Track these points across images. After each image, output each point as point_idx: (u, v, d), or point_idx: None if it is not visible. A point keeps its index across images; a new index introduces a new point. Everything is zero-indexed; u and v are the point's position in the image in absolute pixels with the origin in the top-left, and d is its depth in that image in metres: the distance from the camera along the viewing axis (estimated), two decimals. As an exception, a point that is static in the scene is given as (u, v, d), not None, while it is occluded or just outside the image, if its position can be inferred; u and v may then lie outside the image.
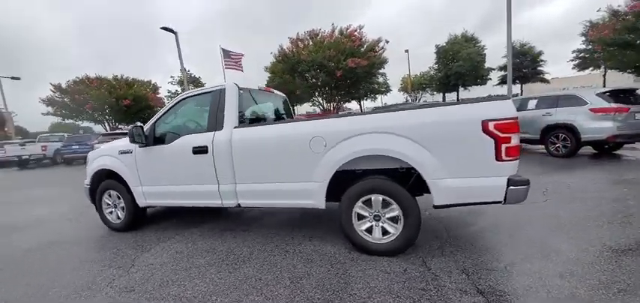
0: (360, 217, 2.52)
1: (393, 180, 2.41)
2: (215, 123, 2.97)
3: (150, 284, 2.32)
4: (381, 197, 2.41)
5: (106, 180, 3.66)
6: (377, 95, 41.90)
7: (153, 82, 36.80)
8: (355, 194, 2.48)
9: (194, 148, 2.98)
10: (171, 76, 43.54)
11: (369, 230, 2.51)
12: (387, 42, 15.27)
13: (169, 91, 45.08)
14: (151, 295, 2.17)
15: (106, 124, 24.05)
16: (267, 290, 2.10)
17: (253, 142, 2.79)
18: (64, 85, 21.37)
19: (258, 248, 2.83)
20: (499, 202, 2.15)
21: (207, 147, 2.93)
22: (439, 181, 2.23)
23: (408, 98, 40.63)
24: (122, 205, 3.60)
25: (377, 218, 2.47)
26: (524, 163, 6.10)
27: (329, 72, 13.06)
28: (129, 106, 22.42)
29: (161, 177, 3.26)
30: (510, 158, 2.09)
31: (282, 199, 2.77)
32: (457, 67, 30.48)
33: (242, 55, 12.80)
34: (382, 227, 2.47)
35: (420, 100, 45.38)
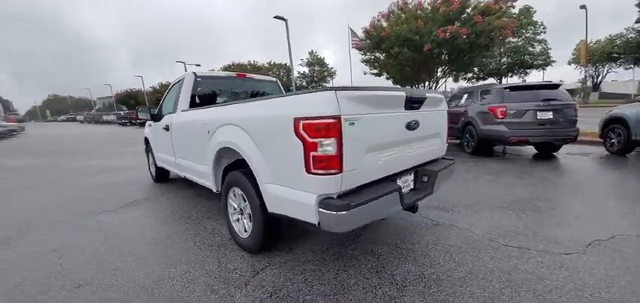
0: (234, 208, 2.59)
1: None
2: (174, 106, 3.67)
3: (117, 220, 3.36)
4: (240, 191, 2.40)
5: (148, 145, 5.20)
6: (529, 69, 32.62)
7: (288, 65, 43.76)
8: (227, 184, 2.57)
9: (164, 126, 3.82)
10: (301, 59, 50.33)
11: (239, 221, 2.56)
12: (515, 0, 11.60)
13: (298, 72, 52.48)
14: (106, 225, 3.17)
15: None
16: (139, 247, 2.65)
17: (183, 125, 3.31)
18: (217, 69, 29.22)
19: (192, 216, 3.39)
20: (314, 226, 1.73)
21: (168, 126, 3.69)
22: (266, 185, 2.01)
23: (585, 73, 29.45)
24: (157, 163, 5.03)
25: (241, 212, 2.48)
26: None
27: (415, 46, 11.50)
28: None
29: (157, 145, 4.37)
30: (321, 172, 1.62)
31: (196, 176, 3.19)
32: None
33: (364, 40, 13.60)
34: (243, 222, 2.46)
35: (604, 76, 32.02)
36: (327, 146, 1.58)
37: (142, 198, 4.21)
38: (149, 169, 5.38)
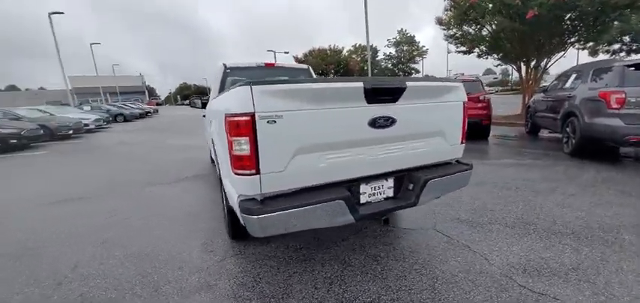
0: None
1: None
2: (209, 96, 4.16)
3: (163, 192, 4.15)
4: (224, 180, 2.57)
5: (207, 128, 6.07)
6: None
7: (374, 46, 42.61)
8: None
9: (204, 114, 4.39)
10: (387, 39, 48.05)
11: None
12: None
13: (384, 54, 50.32)
14: (154, 195, 3.97)
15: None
16: (163, 219, 3.19)
17: (207, 113, 3.72)
18: (299, 56, 30.95)
19: (216, 199, 3.86)
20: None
21: (205, 114, 4.23)
22: (223, 178, 2.10)
23: None
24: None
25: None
26: None
27: (516, 13, 9.22)
28: (335, 70, 28.45)
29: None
30: (240, 171, 1.59)
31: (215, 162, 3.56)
32: None
33: (449, 9, 12.37)
34: (228, 209, 2.64)
35: None
36: (243, 145, 1.53)
37: (192, 175, 5.01)
38: (209, 150, 6.31)
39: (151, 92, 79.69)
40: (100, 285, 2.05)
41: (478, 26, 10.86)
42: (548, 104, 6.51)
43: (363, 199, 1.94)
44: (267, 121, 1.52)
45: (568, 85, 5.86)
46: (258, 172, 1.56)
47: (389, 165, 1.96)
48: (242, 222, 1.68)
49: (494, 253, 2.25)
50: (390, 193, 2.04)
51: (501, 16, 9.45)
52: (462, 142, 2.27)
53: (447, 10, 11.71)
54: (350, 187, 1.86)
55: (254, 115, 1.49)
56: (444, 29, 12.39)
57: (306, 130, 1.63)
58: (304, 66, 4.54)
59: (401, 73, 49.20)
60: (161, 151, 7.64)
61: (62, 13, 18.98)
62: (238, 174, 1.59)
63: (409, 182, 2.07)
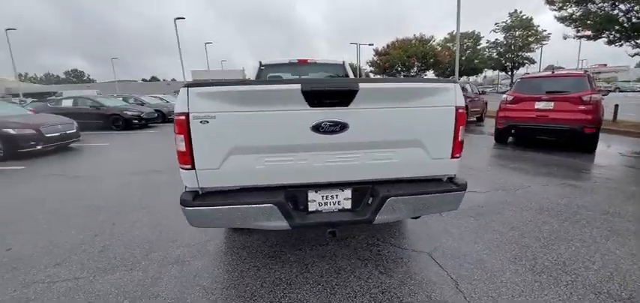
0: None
1: None
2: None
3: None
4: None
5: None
6: None
7: (476, 33, 37.22)
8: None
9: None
10: (495, 24, 40.97)
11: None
12: None
13: (488, 41, 42.97)
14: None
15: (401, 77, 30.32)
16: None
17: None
18: (379, 49, 29.88)
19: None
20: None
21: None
22: None
23: None
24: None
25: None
26: None
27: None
28: (421, 62, 26.38)
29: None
30: (181, 165, 1.74)
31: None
32: None
33: None
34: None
35: None
36: (180, 142, 1.68)
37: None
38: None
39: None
40: (118, 242, 2.61)
41: (606, 3, 8.27)
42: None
43: (312, 207, 1.86)
44: (200, 121, 1.63)
45: None
46: (193, 168, 1.69)
47: (344, 174, 1.81)
48: None
49: (484, 299, 1.81)
50: (348, 205, 1.89)
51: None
52: (453, 157, 1.89)
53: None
54: (296, 192, 1.82)
55: (188, 114, 1.62)
56: (555, 10, 9.91)
57: (240, 132, 1.67)
58: (339, 61, 4.45)
59: (508, 63, 41.70)
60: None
61: (184, 18, 23.54)
62: (180, 168, 1.77)
63: (371, 196, 1.86)
